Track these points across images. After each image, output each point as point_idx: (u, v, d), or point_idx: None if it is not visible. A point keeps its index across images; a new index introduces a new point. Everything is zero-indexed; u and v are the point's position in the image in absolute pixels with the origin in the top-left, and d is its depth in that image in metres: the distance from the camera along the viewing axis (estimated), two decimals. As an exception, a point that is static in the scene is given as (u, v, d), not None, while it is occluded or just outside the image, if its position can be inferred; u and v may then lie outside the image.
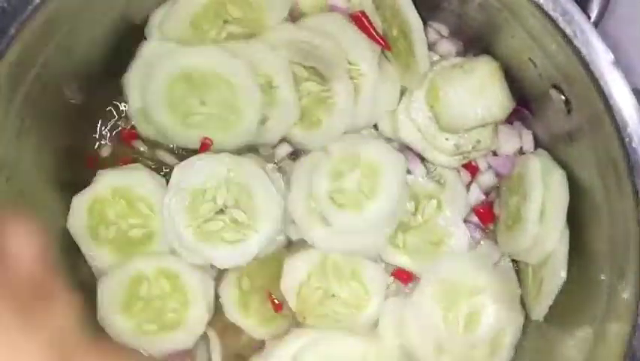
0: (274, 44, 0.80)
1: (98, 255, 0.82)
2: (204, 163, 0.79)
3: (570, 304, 0.75)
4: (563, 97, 0.70)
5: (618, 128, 0.62)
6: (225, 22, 0.81)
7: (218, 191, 0.79)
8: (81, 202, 0.81)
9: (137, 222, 0.82)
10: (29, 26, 0.65)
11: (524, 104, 0.81)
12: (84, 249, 0.82)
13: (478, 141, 0.81)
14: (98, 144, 0.88)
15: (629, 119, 0.62)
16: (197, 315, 0.82)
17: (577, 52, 0.63)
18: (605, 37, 0.64)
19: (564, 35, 0.64)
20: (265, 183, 0.79)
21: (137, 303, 0.81)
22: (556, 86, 0.71)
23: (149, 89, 0.80)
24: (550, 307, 0.76)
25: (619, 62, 0.63)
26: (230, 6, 0.79)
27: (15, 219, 0.45)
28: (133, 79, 0.83)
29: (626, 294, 0.65)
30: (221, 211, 0.80)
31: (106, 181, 0.82)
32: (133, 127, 0.87)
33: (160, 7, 0.81)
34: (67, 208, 0.81)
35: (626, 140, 0.62)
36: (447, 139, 0.82)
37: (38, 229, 0.46)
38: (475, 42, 0.83)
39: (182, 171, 0.79)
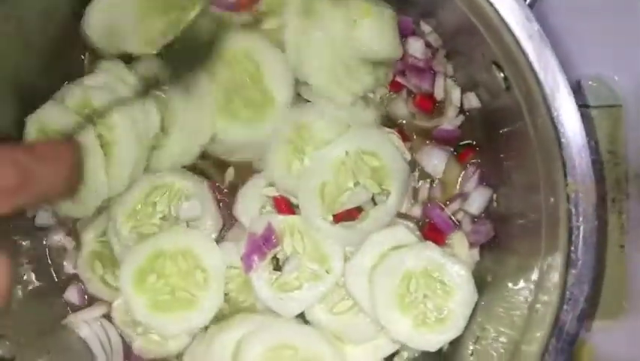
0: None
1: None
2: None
3: (503, 280, 0.77)
4: (502, 74, 0.71)
5: (547, 103, 0.63)
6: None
7: None
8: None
9: None
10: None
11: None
12: None
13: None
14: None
15: (556, 94, 0.64)
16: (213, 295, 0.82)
17: (508, 28, 0.64)
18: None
19: (497, 12, 0.65)
20: None
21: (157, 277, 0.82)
22: (496, 63, 0.72)
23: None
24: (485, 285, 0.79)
25: (558, 50, 0.65)
26: None
27: None
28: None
29: (555, 267, 0.66)
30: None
31: None
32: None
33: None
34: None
35: (554, 114, 0.63)
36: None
37: None
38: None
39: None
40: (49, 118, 0.79)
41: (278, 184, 0.84)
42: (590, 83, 0.94)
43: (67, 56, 0.87)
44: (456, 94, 0.86)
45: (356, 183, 0.81)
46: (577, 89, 0.92)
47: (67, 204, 0.81)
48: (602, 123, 0.94)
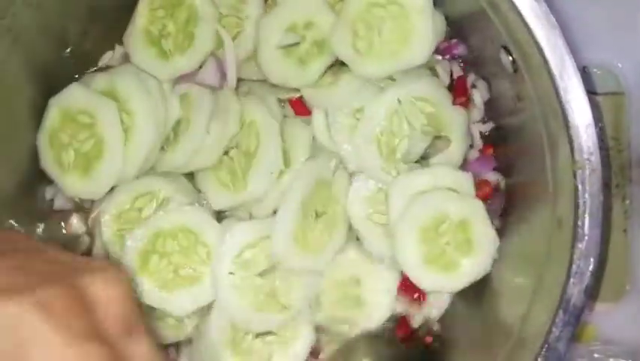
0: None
1: (67, 183, 0.83)
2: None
3: (511, 257, 0.79)
4: (510, 57, 0.73)
5: (554, 83, 0.65)
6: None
7: None
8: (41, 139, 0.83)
9: (85, 136, 0.81)
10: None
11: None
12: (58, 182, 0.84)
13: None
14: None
15: (564, 74, 0.66)
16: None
17: (518, 12, 0.66)
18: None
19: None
20: None
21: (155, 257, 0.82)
22: (504, 47, 0.73)
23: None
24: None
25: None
26: None
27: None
28: None
29: (563, 241, 0.68)
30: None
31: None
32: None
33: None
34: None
35: (561, 94, 0.65)
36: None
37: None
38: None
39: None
40: (74, 100, 0.81)
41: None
42: (594, 70, 0.96)
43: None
44: (477, 97, 0.87)
45: (412, 130, 0.81)
46: (583, 76, 0.94)
47: (77, 185, 0.82)
48: (605, 110, 0.96)
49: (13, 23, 0.74)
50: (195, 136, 0.81)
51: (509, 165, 0.85)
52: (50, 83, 0.83)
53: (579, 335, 0.94)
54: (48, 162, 0.83)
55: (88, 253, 0.87)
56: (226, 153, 0.84)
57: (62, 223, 0.89)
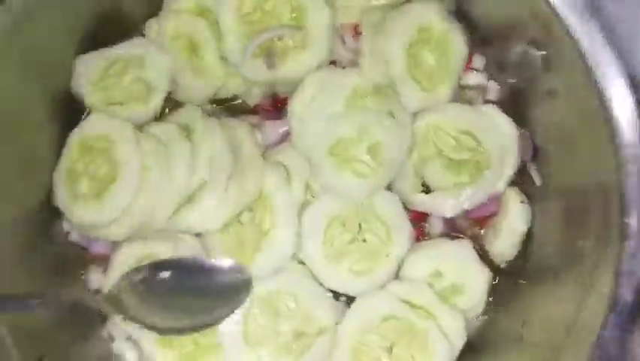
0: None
1: (77, 212, 0.80)
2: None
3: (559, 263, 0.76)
4: (539, 53, 0.71)
5: (595, 82, 0.63)
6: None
7: None
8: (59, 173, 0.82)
9: (101, 161, 0.81)
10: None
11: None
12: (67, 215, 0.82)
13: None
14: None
15: (608, 73, 0.63)
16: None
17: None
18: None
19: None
20: None
21: None
22: (533, 43, 0.71)
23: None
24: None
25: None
26: None
27: None
28: None
29: (611, 243, 0.65)
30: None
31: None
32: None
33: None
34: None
35: (604, 93, 0.63)
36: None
37: None
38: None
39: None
40: (92, 127, 0.82)
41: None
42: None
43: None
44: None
45: None
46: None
47: (88, 212, 0.80)
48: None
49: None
50: (214, 193, 0.78)
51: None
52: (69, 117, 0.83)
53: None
54: (61, 195, 0.81)
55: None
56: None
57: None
